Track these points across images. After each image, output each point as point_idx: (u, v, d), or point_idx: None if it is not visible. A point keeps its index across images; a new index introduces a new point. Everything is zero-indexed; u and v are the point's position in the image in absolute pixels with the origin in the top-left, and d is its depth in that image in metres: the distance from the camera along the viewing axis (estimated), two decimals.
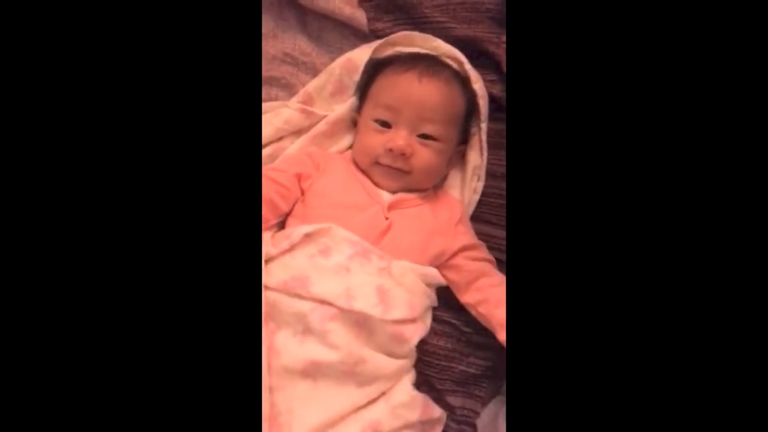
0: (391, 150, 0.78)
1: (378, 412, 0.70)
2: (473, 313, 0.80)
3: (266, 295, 0.70)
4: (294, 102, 0.88)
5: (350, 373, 0.69)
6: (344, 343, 0.68)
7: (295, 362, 0.68)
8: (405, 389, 0.73)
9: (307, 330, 0.69)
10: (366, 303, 0.70)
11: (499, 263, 0.83)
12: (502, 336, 0.76)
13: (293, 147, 0.86)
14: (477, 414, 0.82)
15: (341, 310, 0.69)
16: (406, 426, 0.71)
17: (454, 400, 0.81)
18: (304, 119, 0.87)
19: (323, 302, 0.69)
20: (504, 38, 0.86)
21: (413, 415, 0.72)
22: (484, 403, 0.83)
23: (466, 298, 0.80)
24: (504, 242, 0.85)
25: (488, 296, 0.78)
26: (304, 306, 0.69)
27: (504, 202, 0.86)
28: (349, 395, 0.69)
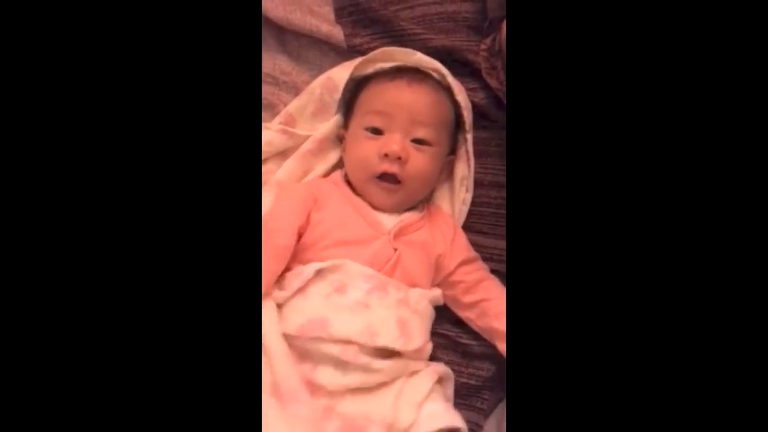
0: (386, 155, 0.76)
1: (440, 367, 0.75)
2: (473, 326, 0.80)
3: (289, 342, 0.69)
4: (275, 123, 0.87)
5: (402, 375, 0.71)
6: (384, 365, 0.69)
7: (346, 388, 0.69)
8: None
9: (346, 364, 0.68)
10: (389, 338, 0.70)
11: (494, 273, 0.83)
12: (502, 347, 0.75)
13: (282, 171, 0.86)
14: (480, 427, 0.81)
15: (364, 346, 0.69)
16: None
17: None
18: (286, 140, 0.86)
19: (346, 342, 0.68)
20: (483, 46, 0.86)
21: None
22: (487, 416, 0.82)
23: (465, 312, 0.80)
24: (497, 251, 0.84)
25: (486, 309, 0.77)
26: (331, 349, 0.68)
27: (494, 210, 0.86)
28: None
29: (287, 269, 0.76)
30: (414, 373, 0.72)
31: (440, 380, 0.75)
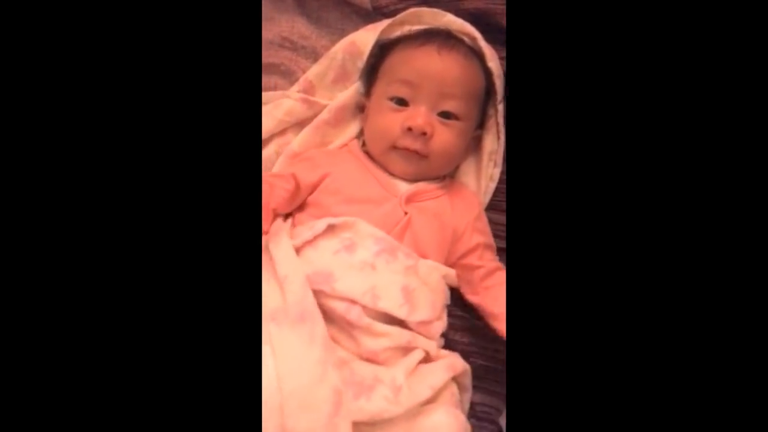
0: (410, 129, 0.72)
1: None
2: (479, 315, 0.78)
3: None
4: (294, 91, 0.82)
5: (406, 351, 0.69)
6: (389, 330, 0.67)
7: (355, 354, 0.67)
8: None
9: (351, 326, 0.66)
10: (391, 303, 0.67)
11: None
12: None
13: (297, 142, 0.81)
14: (499, 411, 0.80)
15: (366, 308, 0.66)
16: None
17: (473, 396, 0.78)
18: (306, 109, 0.81)
19: (347, 300, 0.66)
20: None
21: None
22: (505, 399, 0.80)
23: (473, 299, 0.77)
24: None
25: (492, 307, 0.75)
26: (337, 305, 0.66)
27: None
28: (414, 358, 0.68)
29: (298, 224, 0.74)
30: (427, 357, 0.70)
31: (457, 379, 0.72)
